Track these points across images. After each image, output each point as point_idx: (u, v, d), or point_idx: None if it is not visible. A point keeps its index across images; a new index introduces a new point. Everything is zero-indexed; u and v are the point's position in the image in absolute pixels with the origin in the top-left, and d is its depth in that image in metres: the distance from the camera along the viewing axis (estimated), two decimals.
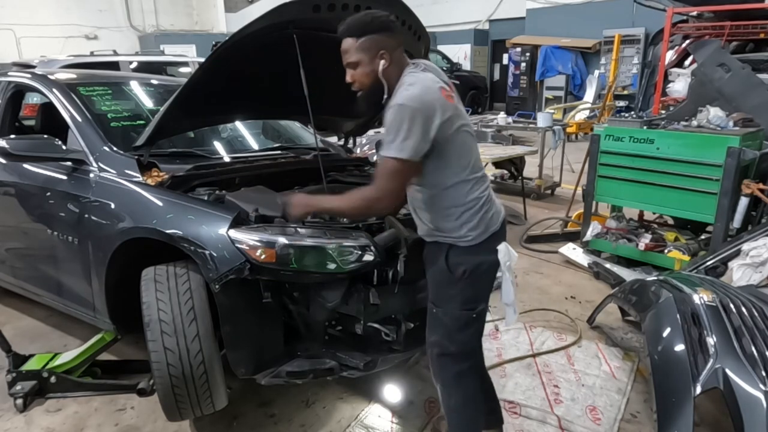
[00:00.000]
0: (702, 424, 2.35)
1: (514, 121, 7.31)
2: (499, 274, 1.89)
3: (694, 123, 3.89)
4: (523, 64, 13.77)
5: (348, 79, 1.81)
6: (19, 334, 3.20)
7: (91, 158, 2.61)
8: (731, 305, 2.36)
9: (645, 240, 4.09)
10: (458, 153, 1.76)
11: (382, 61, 1.73)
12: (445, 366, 1.92)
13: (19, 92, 3.35)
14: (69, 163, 2.65)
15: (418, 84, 1.68)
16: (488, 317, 3.34)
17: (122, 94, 3.25)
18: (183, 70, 7.52)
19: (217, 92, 2.47)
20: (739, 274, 3.15)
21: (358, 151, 4.69)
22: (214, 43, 9.37)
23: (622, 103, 10.97)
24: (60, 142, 2.63)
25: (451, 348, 1.88)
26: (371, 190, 1.75)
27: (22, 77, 3.23)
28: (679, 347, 2.19)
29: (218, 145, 3.32)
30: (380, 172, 1.72)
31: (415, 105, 1.63)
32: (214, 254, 1.99)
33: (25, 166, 2.86)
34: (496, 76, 16.19)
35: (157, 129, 2.45)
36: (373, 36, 1.72)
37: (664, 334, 2.30)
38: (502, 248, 1.84)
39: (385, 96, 1.78)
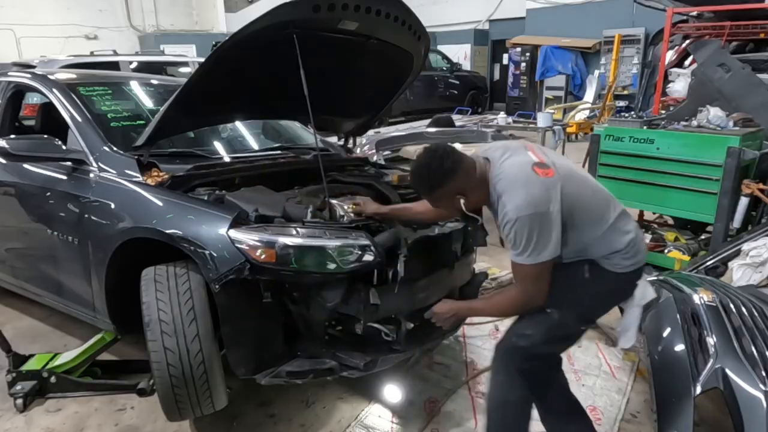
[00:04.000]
0: (702, 424, 2.35)
1: (514, 121, 7.31)
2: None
3: (694, 123, 3.89)
4: (523, 64, 13.75)
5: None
6: (19, 334, 3.20)
7: (91, 158, 2.61)
8: (731, 305, 2.36)
9: (645, 240, 4.09)
10: (585, 214, 1.70)
11: (462, 200, 1.75)
12: (518, 357, 1.80)
13: (19, 92, 3.35)
14: (69, 163, 2.65)
15: (516, 186, 1.63)
16: (488, 318, 3.35)
17: (122, 94, 3.25)
18: (183, 70, 7.51)
19: (217, 92, 2.47)
20: (739, 274, 3.15)
21: (358, 151, 4.68)
22: (214, 43, 9.37)
23: (622, 103, 10.95)
24: (60, 142, 2.63)
25: (540, 348, 1.79)
26: (519, 296, 1.74)
27: (22, 77, 3.23)
28: (679, 347, 2.19)
29: (218, 145, 3.31)
30: (521, 277, 1.70)
31: (528, 212, 1.58)
32: (214, 254, 1.99)
33: (25, 166, 2.86)
34: (496, 76, 16.16)
35: (157, 129, 2.45)
36: (441, 189, 1.73)
37: (664, 334, 2.30)
38: (641, 285, 1.80)
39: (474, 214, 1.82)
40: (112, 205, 2.42)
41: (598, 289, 1.77)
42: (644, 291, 1.81)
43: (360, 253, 2.08)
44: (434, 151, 1.77)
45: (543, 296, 1.72)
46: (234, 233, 2.01)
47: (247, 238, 1.99)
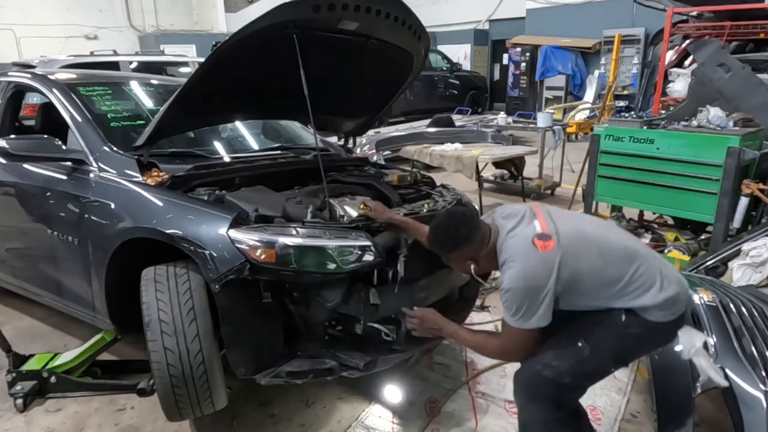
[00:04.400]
0: (702, 424, 2.35)
1: (514, 121, 7.32)
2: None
3: (694, 123, 3.89)
4: (523, 64, 13.75)
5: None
6: (19, 334, 3.20)
7: (91, 158, 2.61)
8: (731, 305, 2.36)
9: (645, 240, 4.08)
10: (591, 278, 1.70)
11: (473, 266, 1.83)
12: (544, 386, 1.77)
13: (19, 92, 3.35)
14: (69, 163, 2.65)
15: (514, 258, 1.68)
16: (488, 317, 3.35)
17: (122, 94, 3.25)
18: (183, 70, 7.52)
19: (217, 92, 2.47)
20: (739, 274, 3.14)
21: (358, 151, 4.69)
22: (214, 43, 9.37)
23: (622, 103, 10.95)
24: (60, 142, 2.63)
25: (566, 379, 1.75)
26: (502, 347, 1.83)
27: (22, 77, 3.23)
28: (679, 347, 2.18)
29: (218, 145, 3.31)
30: (507, 334, 1.76)
31: (519, 285, 1.65)
32: (214, 254, 1.99)
33: (25, 166, 2.86)
34: (496, 76, 16.16)
35: (157, 129, 2.45)
36: (454, 253, 1.81)
37: None
38: (685, 335, 1.80)
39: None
40: (112, 205, 2.42)
41: (633, 333, 1.74)
42: (691, 340, 1.79)
43: (360, 253, 2.08)
44: (454, 216, 1.85)
45: (523, 357, 1.80)
46: (234, 233, 2.01)
47: (247, 238, 1.99)
